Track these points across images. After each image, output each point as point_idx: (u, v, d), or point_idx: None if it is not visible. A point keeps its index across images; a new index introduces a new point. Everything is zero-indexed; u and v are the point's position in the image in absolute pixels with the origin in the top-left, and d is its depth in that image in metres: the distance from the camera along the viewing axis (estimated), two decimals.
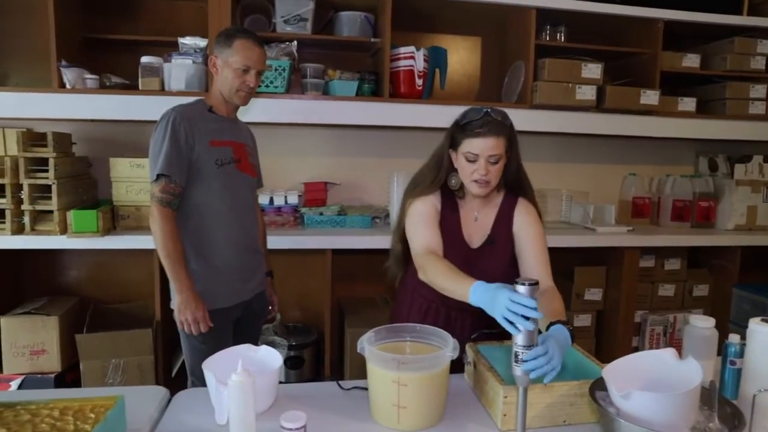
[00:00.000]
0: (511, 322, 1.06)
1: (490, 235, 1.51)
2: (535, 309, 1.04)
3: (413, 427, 1.17)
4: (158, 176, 1.61)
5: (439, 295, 1.43)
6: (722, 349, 1.34)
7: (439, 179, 1.49)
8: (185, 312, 1.62)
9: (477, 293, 1.17)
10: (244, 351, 1.36)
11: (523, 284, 1.07)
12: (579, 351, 1.41)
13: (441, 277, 1.31)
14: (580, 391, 1.20)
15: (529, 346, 1.07)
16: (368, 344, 1.22)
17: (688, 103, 2.78)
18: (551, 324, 1.24)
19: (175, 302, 1.64)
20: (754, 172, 3.00)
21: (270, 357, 1.34)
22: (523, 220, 1.50)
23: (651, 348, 2.91)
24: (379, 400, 1.20)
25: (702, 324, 1.39)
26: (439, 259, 1.36)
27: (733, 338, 1.32)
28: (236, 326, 1.81)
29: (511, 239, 1.51)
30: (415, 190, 1.52)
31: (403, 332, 1.32)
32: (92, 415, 1.12)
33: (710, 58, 2.85)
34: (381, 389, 1.19)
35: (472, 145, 1.38)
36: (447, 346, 1.23)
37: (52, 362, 2.33)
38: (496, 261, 1.49)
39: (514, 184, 1.52)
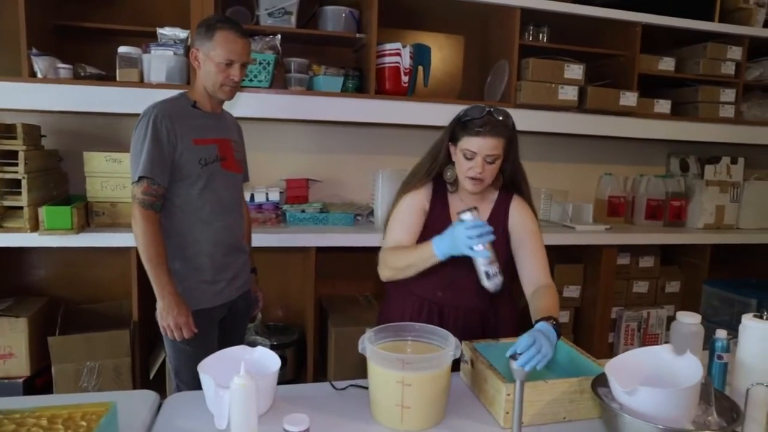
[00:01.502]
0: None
1: None
2: (486, 225, 1.24)
3: (417, 427, 1.17)
4: (140, 178, 1.56)
5: (431, 294, 1.44)
6: (709, 344, 1.39)
7: (433, 169, 1.51)
8: (167, 317, 1.58)
9: (440, 246, 1.31)
10: (239, 353, 1.33)
11: (465, 212, 1.27)
12: (572, 347, 1.44)
13: (402, 257, 1.41)
14: (579, 387, 1.22)
15: (493, 261, 1.27)
16: (369, 344, 1.21)
17: (664, 105, 2.86)
18: (537, 321, 1.28)
19: (157, 307, 1.59)
20: (723, 173, 3.12)
21: (266, 358, 1.32)
22: (518, 217, 1.52)
23: (626, 344, 3.00)
24: (381, 401, 1.19)
25: (689, 320, 1.44)
26: (395, 248, 1.45)
27: (720, 333, 1.36)
28: (221, 326, 1.78)
29: (505, 235, 1.52)
30: (410, 183, 1.54)
31: (403, 331, 1.32)
32: (83, 423, 1.07)
33: (684, 62, 2.94)
34: (384, 389, 1.18)
35: (471, 143, 1.40)
36: (448, 346, 1.24)
37: (20, 366, 2.23)
38: None
39: (510, 182, 1.54)
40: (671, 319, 3.06)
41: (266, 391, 1.21)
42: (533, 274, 1.48)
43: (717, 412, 1.08)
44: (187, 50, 2.24)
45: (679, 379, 1.10)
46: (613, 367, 1.13)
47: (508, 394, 1.17)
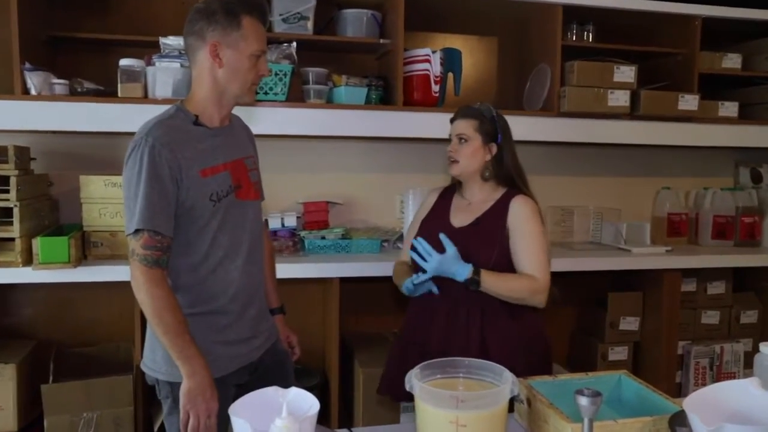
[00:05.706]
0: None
1: (479, 217, 1.85)
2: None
3: None
4: (137, 230, 1.41)
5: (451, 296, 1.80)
6: None
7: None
8: (196, 401, 1.42)
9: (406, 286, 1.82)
10: (272, 394, 1.39)
11: None
12: (641, 384, 1.49)
13: (396, 275, 2.00)
14: (654, 427, 1.27)
15: None
16: (417, 381, 1.28)
17: (730, 108, 2.92)
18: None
19: (184, 387, 1.44)
20: None
21: (303, 400, 1.38)
22: (516, 217, 1.82)
23: (696, 384, 3.01)
24: None
25: None
26: (399, 263, 2.07)
27: None
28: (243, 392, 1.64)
29: (502, 230, 1.82)
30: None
31: (452, 368, 1.38)
32: None
33: (752, 58, 3.01)
34: (435, 431, 1.24)
35: (450, 128, 1.90)
36: (503, 382, 1.30)
37: (7, 420, 2.30)
38: (476, 242, 1.80)
39: (510, 180, 1.88)
40: (749, 354, 3.08)
41: None
42: (528, 268, 1.79)
43: None
44: None
45: None
46: (692, 404, 1.18)
47: None
